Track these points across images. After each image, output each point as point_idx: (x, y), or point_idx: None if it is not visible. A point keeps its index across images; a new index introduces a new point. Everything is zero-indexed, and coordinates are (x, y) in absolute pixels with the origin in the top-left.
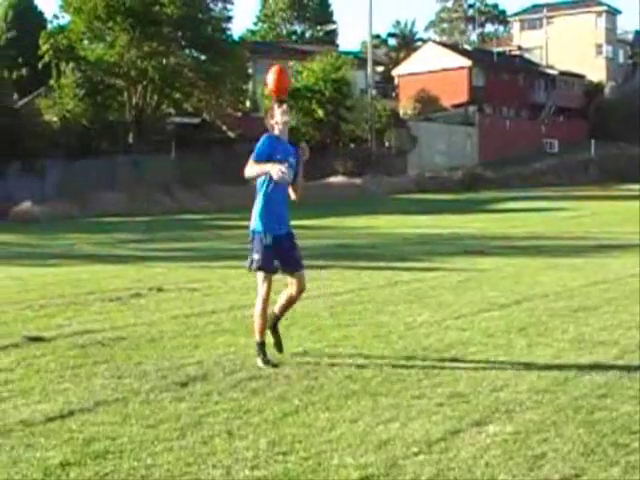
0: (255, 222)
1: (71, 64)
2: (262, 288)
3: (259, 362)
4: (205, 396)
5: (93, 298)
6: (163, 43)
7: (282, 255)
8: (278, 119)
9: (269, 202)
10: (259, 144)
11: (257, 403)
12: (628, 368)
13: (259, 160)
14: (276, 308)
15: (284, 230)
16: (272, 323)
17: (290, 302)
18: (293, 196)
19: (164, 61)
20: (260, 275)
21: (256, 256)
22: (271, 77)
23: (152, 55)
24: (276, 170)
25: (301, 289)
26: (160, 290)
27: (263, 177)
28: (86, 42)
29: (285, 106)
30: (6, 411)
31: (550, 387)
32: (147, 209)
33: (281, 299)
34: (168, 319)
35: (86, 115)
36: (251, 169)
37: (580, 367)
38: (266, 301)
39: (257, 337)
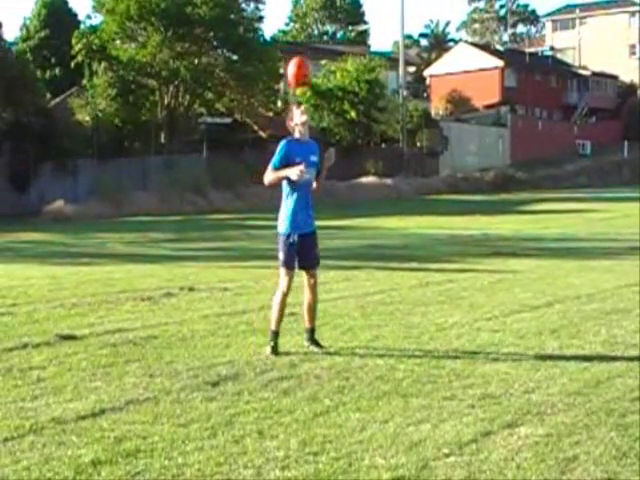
0: (281, 224)
1: (103, 64)
2: (283, 282)
3: (268, 350)
4: (236, 396)
5: (125, 297)
6: (195, 43)
7: (304, 252)
8: (297, 120)
9: (294, 203)
10: (276, 152)
11: (288, 403)
12: None
13: (277, 167)
14: (305, 322)
15: (309, 228)
16: (310, 337)
17: (310, 307)
18: (314, 185)
19: (196, 61)
20: (283, 271)
21: (281, 255)
22: (291, 68)
23: (184, 55)
24: (295, 172)
25: (314, 284)
26: (191, 289)
27: (285, 181)
28: (118, 42)
29: (303, 107)
30: (38, 409)
31: (582, 390)
32: (179, 209)
33: (304, 312)
34: (199, 318)
35: (118, 115)
36: (269, 176)
37: (612, 370)
38: (285, 295)
39: (272, 326)
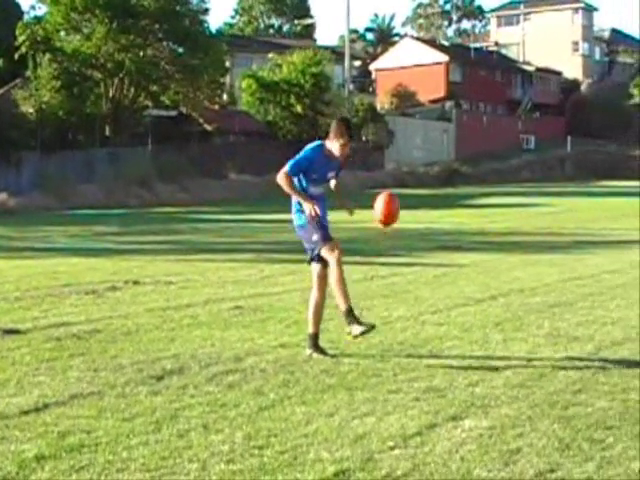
0: (300, 215)
1: (48, 55)
2: (335, 258)
3: (355, 329)
4: (181, 390)
5: (69, 291)
6: (140, 35)
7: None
8: (337, 146)
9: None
10: (303, 154)
11: (233, 397)
12: (603, 364)
13: (294, 171)
14: (310, 326)
15: (324, 223)
16: (314, 343)
17: (318, 307)
18: (333, 183)
19: (141, 53)
20: (327, 246)
21: (315, 236)
22: (380, 205)
23: (129, 47)
24: (309, 208)
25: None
26: (136, 283)
27: (304, 180)
28: (63, 34)
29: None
30: None
31: (525, 382)
32: (124, 202)
33: (311, 314)
34: (144, 312)
35: (63, 107)
36: (287, 187)
37: (555, 362)
38: (342, 272)
39: (343, 305)
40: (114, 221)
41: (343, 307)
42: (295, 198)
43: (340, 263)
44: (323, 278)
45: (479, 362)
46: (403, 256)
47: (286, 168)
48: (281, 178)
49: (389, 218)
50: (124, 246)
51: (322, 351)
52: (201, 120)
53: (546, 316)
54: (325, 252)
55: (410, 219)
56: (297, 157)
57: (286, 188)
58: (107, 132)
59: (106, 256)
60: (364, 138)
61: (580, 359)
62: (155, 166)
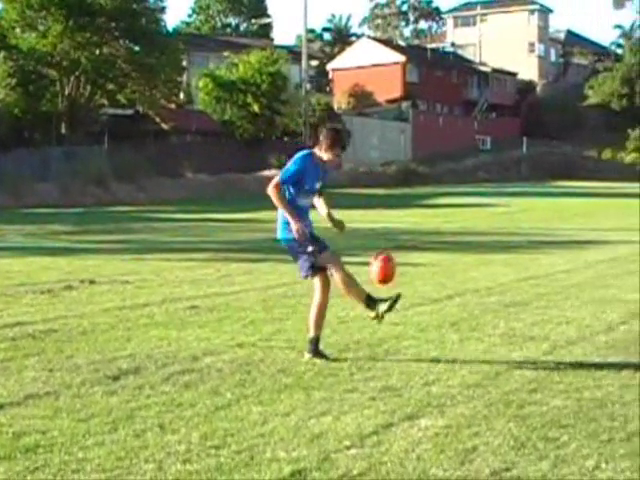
0: (289, 229)
1: (3, 53)
2: (338, 266)
3: (382, 308)
4: (137, 389)
5: (24, 290)
6: (97, 33)
7: None
8: (330, 156)
9: (296, 209)
10: (293, 164)
11: (189, 397)
12: (558, 363)
13: (286, 182)
14: (311, 330)
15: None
16: (314, 347)
17: (321, 310)
18: (317, 204)
19: (97, 52)
20: (327, 256)
21: (310, 248)
22: (376, 266)
23: (85, 45)
24: (296, 230)
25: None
26: (92, 282)
27: (292, 189)
28: (18, 31)
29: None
30: None
31: (481, 381)
32: (80, 201)
33: (312, 317)
34: (100, 312)
35: (18, 105)
36: (278, 201)
37: (511, 362)
38: (348, 274)
39: (361, 300)
40: (70, 220)
41: (363, 300)
42: (284, 211)
43: (343, 268)
44: (326, 282)
45: (435, 361)
46: (359, 255)
47: (277, 179)
48: (272, 190)
49: (385, 281)
50: (80, 245)
51: (323, 355)
52: (158, 119)
53: (502, 316)
54: (326, 260)
55: (366, 219)
56: (289, 168)
57: (276, 201)
58: (63, 130)
59: (62, 255)
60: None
61: (535, 358)
62: (111, 165)
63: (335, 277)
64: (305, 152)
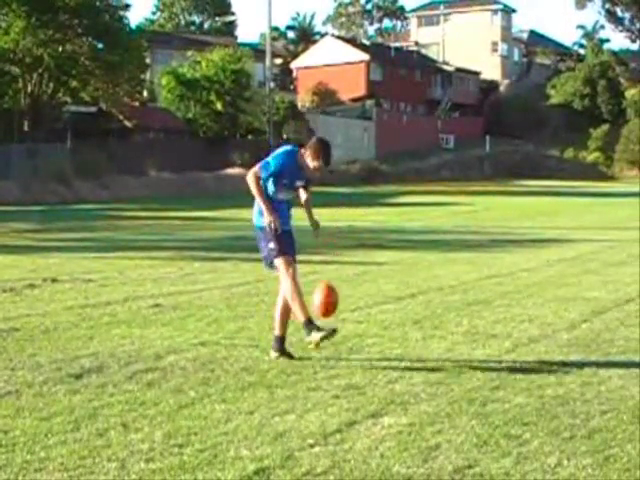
0: (258, 218)
1: None
2: (288, 275)
3: (315, 336)
4: (100, 388)
5: None
6: (59, 30)
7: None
8: (312, 167)
9: (273, 201)
10: (276, 159)
11: (152, 395)
12: (520, 361)
13: (267, 174)
14: (277, 329)
15: (286, 227)
16: (280, 346)
17: (286, 309)
18: (303, 196)
19: (60, 49)
20: (282, 261)
21: (272, 245)
22: (318, 296)
23: (48, 42)
24: (268, 221)
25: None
26: (55, 281)
27: (272, 184)
28: None
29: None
30: None
31: (444, 379)
32: (43, 198)
33: (276, 316)
34: (63, 310)
35: None
36: (256, 189)
37: (473, 360)
38: (296, 285)
39: (301, 317)
40: (32, 218)
41: (302, 319)
42: (259, 201)
43: (294, 278)
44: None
45: (398, 359)
46: (323, 254)
47: (256, 168)
48: (251, 178)
49: (328, 312)
50: (42, 243)
51: (288, 354)
52: (121, 116)
53: (464, 314)
54: (279, 265)
55: (330, 217)
56: (270, 159)
57: (254, 189)
58: (25, 127)
59: (24, 253)
60: (285, 136)
61: (498, 356)
62: (74, 162)
63: (282, 285)
64: (290, 149)
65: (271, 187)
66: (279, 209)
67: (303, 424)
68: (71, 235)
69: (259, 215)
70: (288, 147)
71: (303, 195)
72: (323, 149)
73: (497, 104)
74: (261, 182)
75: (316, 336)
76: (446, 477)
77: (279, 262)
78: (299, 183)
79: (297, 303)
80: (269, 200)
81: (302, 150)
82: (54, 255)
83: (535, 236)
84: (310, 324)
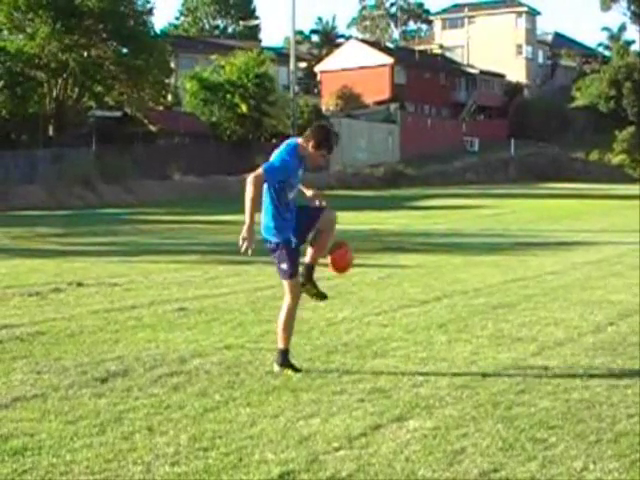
0: (273, 233)
1: None
2: (295, 297)
3: (278, 369)
4: (125, 392)
5: (12, 293)
6: (84, 35)
7: None
8: (316, 155)
9: (280, 210)
10: (283, 163)
11: (178, 399)
12: (546, 364)
13: (271, 178)
14: (280, 341)
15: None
16: (283, 359)
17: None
18: (307, 193)
19: (85, 54)
20: (289, 283)
21: (285, 266)
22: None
23: (73, 47)
24: (244, 230)
25: None
26: (80, 285)
27: (272, 188)
28: (6, 33)
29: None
30: None
31: (469, 383)
32: (68, 203)
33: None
34: (88, 314)
35: (5, 107)
36: (253, 193)
37: (499, 363)
38: (295, 314)
39: (281, 344)
40: (57, 222)
41: (281, 346)
42: (247, 211)
43: (296, 305)
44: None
45: (423, 363)
46: None
47: (260, 171)
48: (253, 180)
49: (341, 268)
50: (67, 247)
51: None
52: (145, 121)
53: (490, 317)
54: (286, 287)
55: (355, 220)
56: (275, 164)
57: (251, 191)
58: (50, 132)
59: (49, 257)
60: None
61: (523, 360)
62: (99, 167)
63: (284, 304)
64: (291, 145)
65: (290, 194)
66: (289, 219)
67: (328, 428)
68: (96, 239)
69: (268, 230)
70: (289, 142)
71: (308, 192)
72: (326, 135)
73: (522, 107)
74: (271, 190)
75: (279, 369)
76: None
77: (289, 284)
78: (301, 172)
79: (287, 333)
80: (258, 207)
81: (300, 140)
82: (79, 259)
83: (560, 239)
84: (284, 356)
